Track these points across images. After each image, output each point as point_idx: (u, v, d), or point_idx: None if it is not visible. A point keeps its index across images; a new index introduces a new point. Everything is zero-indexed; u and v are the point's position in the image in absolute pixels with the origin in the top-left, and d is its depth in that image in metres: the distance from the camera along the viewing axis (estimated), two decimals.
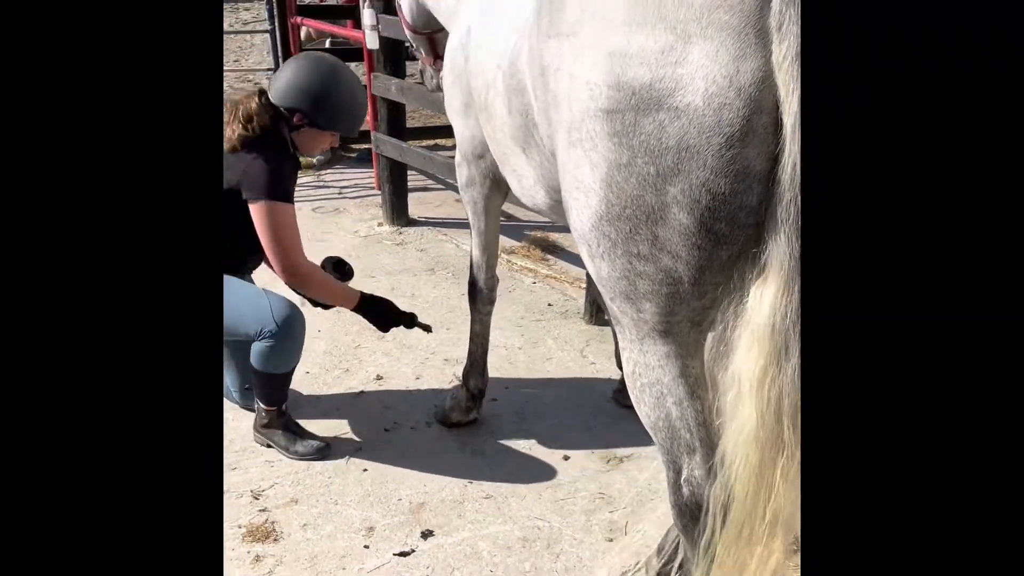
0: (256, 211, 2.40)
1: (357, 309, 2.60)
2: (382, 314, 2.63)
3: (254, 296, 2.48)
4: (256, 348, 2.45)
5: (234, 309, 2.43)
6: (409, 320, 2.67)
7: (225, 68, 9.50)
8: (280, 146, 2.49)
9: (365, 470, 2.53)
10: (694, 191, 1.14)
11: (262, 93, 2.51)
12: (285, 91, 2.48)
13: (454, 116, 2.32)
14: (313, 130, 2.52)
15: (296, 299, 2.64)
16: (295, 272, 2.46)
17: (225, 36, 11.31)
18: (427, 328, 2.71)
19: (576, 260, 4.09)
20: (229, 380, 2.79)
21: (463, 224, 4.75)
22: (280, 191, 2.41)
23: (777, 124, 1.08)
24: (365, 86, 2.70)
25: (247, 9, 14.15)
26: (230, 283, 2.49)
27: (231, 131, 2.40)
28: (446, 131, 6.28)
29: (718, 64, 1.07)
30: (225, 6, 14.68)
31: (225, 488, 2.42)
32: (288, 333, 2.45)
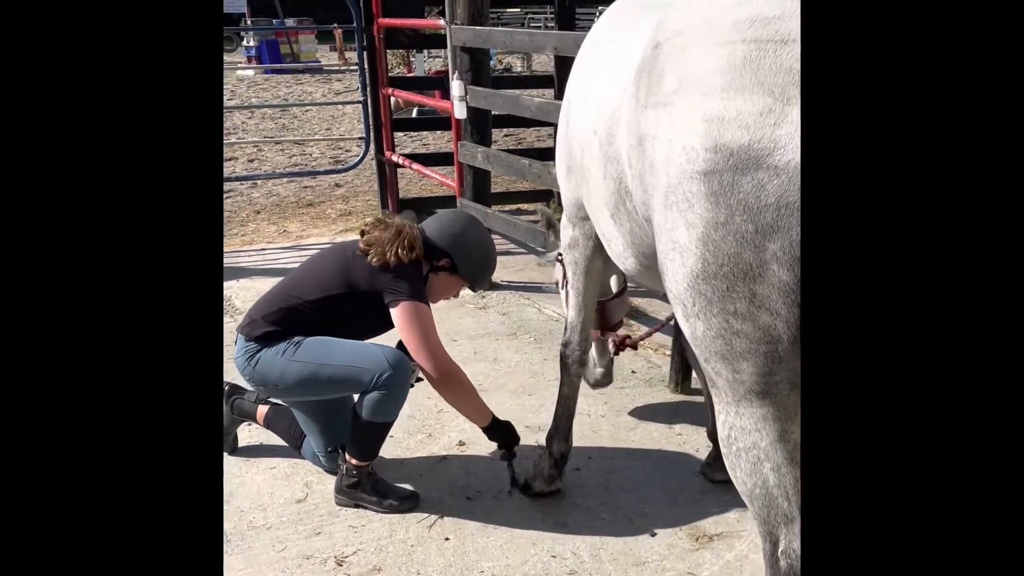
0: (403, 310, 2.55)
1: (486, 429, 2.75)
2: (507, 436, 2.78)
3: (365, 347, 2.58)
4: (369, 398, 2.53)
5: (350, 363, 2.53)
6: (511, 455, 2.79)
7: (317, 136, 9.94)
8: (420, 275, 2.68)
9: (447, 539, 2.50)
10: (794, 248, 1.16)
11: (422, 231, 2.71)
12: (441, 234, 2.71)
13: (560, 180, 2.37)
14: (451, 277, 2.74)
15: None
16: (446, 373, 2.62)
17: (318, 106, 11.88)
18: (512, 472, 2.79)
19: None
20: (316, 444, 2.82)
21: (545, 289, 4.76)
22: (423, 297, 2.62)
23: None
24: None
25: (339, 80, 14.87)
26: (339, 342, 2.59)
27: (392, 250, 2.56)
28: (528, 196, 6.38)
29: None
30: (318, 77, 15.45)
31: (309, 553, 2.43)
32: (401, 379, 2.55)
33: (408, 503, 2.65)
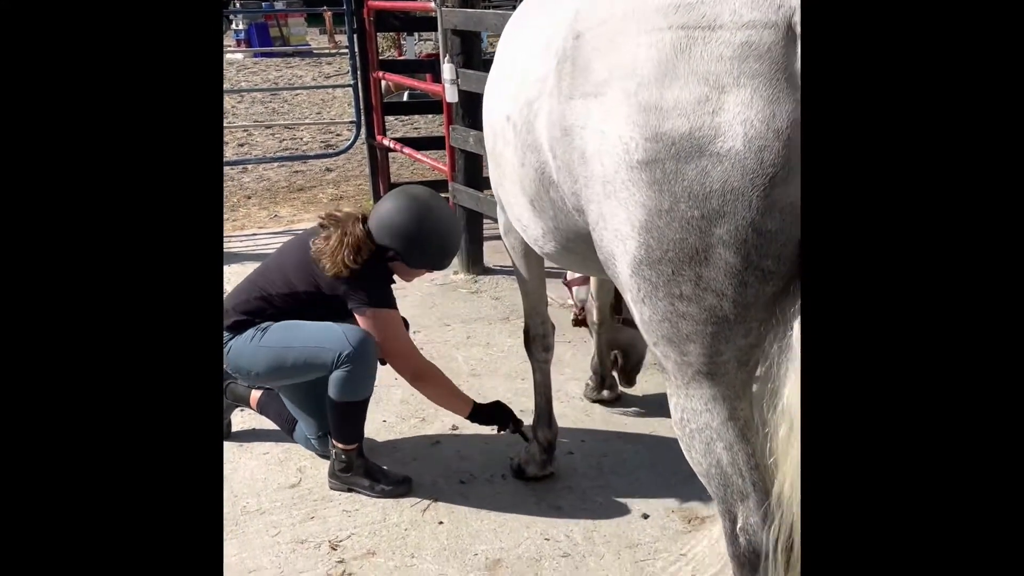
0: (364, 320, 2.58)
1: (470, 417, 2.73)
2: (495, 417, 2.76)
3: (327, 328, 2.58)
4: (334, 377, 2.53)
5: (312, 344, 2.55)
6: (517, 425, 2.77)
7: (308, 120, 9.88)
8: (380, 267, 2.62)
9: (441, 523, 2.51)
10: (740, 231, 1.19)
11: (365, 220, 2.62)
12: (380, 230, 2.59)
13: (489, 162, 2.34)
14: (406, 266, 2.65)
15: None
16: (416, 374, 2.67)
17: (308, 90, 11.79)
18: (527, 439, 2.77)
19: None
20: (307, 428, 2.83)
21: None
22: (381, 299, 2.59)
23: None
24: (459, 221, 2.83)
25: (329, 63, 14.74)
26: (303, 325, 2.60)
27: (340, 257, 2.51)
28: None
29: (754, 109, 1.13)
30: (308, 60, 15.32)
31: (304, 538, 2.44)
32: (364, 356, 2.53)
33: (401, 488, 2.65)
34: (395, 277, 2.72)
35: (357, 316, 2.58)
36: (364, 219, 2.62)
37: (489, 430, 3.02)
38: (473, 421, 2.76)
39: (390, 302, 2.63)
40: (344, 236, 2.53)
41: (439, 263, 2.72)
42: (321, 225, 2.65)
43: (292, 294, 2.62)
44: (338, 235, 2.54)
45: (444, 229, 2.66)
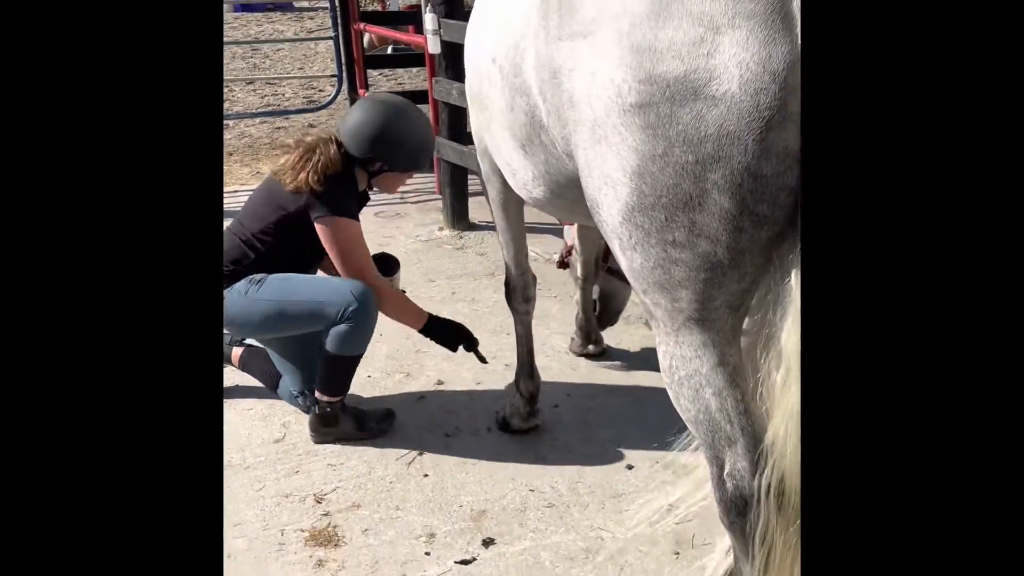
0: (322, 229, 2.55)
1: (423, 330, 2.71)
2: (449, 334, 2.75)
3: (329, 282, 2.59)
4: (335, 331, 2.53)
5: (315, 298, 2.53)
6: (471, 344, 2.77)
7: (290, 75, 9.71)
8: (347, 182, 2.61)
9: (426, 475, 2.51)
10: (735, 176, 1.16)
11: (340, 143, 2.61)
12: (361, 143, 2.59)
13: (470, 109, 2.31)
14: (393, 173, 2.71)
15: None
16: (374, 290, 2.60)
17: (290, 44, 11.56)
18: (483, 359, 2.81)
19: None
20: (291, 383, 2.81)
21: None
22: (344, 209, 2.56)
23: None
24: (427, 118, 2.89)
25: (311, 18, 14.46)
26: (302, 278, 2.59)
27: (304, 175, 2.52)
28: None
29: (750, 51, 1.10)
30: (290, 15, 15.02)
31: (288, 491, 2.44)
32: (367, 311, 2.54)
33: (385, 423, 2.69)
34: (373, 193, 2.77)
35: (318, 226, 2.55)
36: (338, 141, 2.62)
37: (475, 384, 3.03)
38: (426, 335, 2.73)
39: (353, 214, 2.61)
40: (312, 153, 2.55)
41: (423, 158, 2.74)
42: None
43: (265, 229, 2.62)
44: (299, 153, 2.56)
45: (419, 124, 2.69)
